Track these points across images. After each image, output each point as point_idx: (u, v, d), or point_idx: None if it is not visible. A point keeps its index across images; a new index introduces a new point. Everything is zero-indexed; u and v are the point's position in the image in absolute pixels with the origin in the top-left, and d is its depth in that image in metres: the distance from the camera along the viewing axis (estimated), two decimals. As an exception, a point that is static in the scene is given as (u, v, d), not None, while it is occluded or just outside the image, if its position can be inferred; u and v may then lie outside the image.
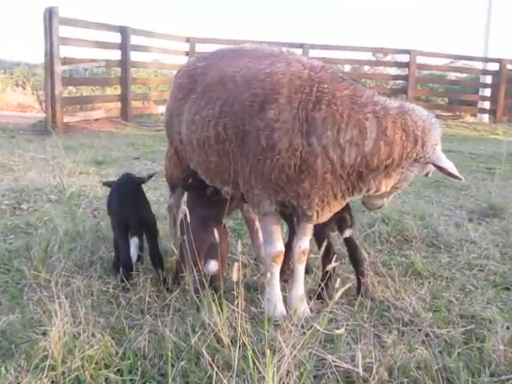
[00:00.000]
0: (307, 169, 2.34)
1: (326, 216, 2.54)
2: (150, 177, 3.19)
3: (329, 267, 2.40)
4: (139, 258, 3.00)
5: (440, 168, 2.31)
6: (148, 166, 6.53)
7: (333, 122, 2.29)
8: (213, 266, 2.57)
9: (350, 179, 2.35)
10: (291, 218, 2.90)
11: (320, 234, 2.78)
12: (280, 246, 2.62)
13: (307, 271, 2.99)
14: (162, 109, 10.83)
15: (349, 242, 2.92)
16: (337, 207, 2.52)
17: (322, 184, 2.36)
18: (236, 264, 2.04)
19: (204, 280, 2.48)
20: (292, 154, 2.34)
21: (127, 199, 3.01)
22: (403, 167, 2.33)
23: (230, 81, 2.63)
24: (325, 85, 2.36)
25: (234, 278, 2.04)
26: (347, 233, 2.86)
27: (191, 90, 2.87)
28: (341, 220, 2.83)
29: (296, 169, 2.36)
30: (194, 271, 2.50)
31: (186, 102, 2.88)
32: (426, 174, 2.47)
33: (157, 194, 5.04)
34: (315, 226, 2.72)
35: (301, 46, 12.70)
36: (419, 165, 2.35)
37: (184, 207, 2.87)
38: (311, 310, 2.68)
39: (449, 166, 2.31)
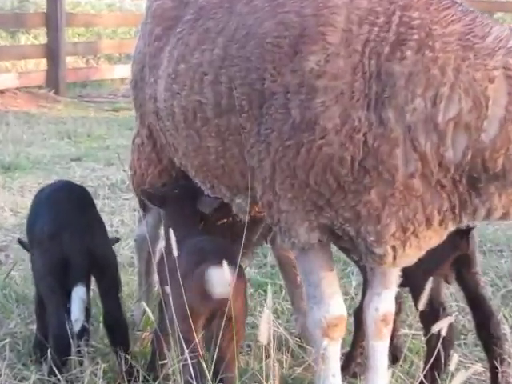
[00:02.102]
0: (376, 167, 2.37)
1: (411, 257, 2.56)
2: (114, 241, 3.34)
3: (435, 328, 2.44)
4: (84, 329, 3.04)
5: None
6: (97, 172, 6.67)
7: (426, 82, 2.32)
8: (217, 273, 2.54)
9: (457, 190, 2.37)
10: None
11: (417, 280, 2.79)
12: (338, 308, 2.63)
13: (395, 357, 3.01)
14: (121, 71, 10.93)
15: (476, 305, 2.94)
16: (432, 242, 2.53)
17: (403, 197, 2.39)
18: (266, 313, 2.06)
19: (205, 367, 2.51)
20: (348, 137, 2.38)
21: (66, 218, 3.06)
22: None
23: (241, 0, 2.71)
24: (414, 12, 2.39)
25: (264, 339, 2.07)
26: None
27: (178, 20, 2.97)
28: (464, 258, 2.86)
29: (355, 166, 2.39)
30: (186, 352, 2.53)
31: (167, 41, 2.98)
32: None
33: (115, 222, 5.11)
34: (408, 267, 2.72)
35: None
36: None
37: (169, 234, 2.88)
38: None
39: None
